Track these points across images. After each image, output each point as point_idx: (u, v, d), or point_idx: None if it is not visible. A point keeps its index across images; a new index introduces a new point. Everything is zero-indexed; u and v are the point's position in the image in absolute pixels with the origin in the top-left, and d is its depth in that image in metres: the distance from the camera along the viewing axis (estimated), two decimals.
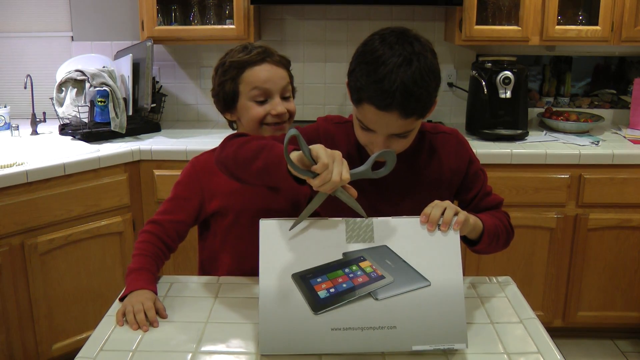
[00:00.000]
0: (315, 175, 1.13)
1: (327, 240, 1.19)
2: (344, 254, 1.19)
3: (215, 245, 1.63)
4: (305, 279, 1.18)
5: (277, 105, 1.53)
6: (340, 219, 1.21)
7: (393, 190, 1.46)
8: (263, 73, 1.53)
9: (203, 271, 1.69)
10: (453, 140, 1.50)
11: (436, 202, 1.27)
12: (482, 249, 1.42)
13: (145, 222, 1.57)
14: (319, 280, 1.18)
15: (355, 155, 1.44)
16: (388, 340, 1.15)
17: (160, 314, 1.35)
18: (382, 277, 1.18)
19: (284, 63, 1.59)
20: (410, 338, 1.16)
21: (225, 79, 1.56)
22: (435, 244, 1.17)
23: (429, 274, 1.18)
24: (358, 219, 1.21)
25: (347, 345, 1.15)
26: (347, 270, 1.19)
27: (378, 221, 1.21)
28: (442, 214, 1.24)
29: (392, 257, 1.18)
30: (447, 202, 1.27)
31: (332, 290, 1.17)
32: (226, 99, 1.58)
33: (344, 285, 1.17)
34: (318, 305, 1.16)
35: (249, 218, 1.54)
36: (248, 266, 1.53)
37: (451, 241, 1.18)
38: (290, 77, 1.62)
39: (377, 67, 1.23)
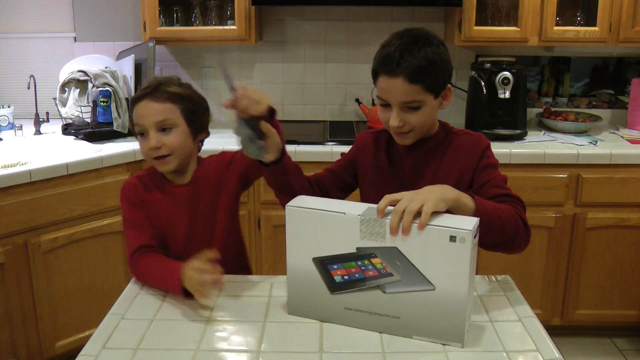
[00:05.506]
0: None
1: (343, 234, 1.25)
2: (358, 249, 1.25)
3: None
4: (323, 264, 1.30)
5: (150, 140, 1.57)
6: (357, 216, 1.23)
7: (408, 182, 1.52)
8: (140, 110, 1.58)
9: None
10: (473, 140, 1.56)
11: (392, 197, 1.23)
12: (482, 234, 1.28)
13: (130, 261, 1.58)
14: (335, 267, 1.29)
15: (383, 158, 1.59)
16: (392, 327, 1.27)
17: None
18: (391, 274, 1.24)
19: (174, 98, 1.58)
20: (412, 329, 1.26)
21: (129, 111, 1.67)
22: (444, 253, 1.18)
23: (435, 281, 1.20)
24: (373, 219, 1.22)
25: (357, 323, 1.30)
26: (359, 263, 1.26)
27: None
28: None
29: (401, 259, 1.22)
30: (410, 196, 1.22)
31: (346, 277, 1.28)
32: (131, 128, 1.67)
33: (357, 275, 1.27)
34: (334, 287, 1.30)
35: (176, 243, 1.62)
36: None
37: (462, 252, 1.17)
38: (184, 108, 1.59)
39: (386, 45, 1.46)
